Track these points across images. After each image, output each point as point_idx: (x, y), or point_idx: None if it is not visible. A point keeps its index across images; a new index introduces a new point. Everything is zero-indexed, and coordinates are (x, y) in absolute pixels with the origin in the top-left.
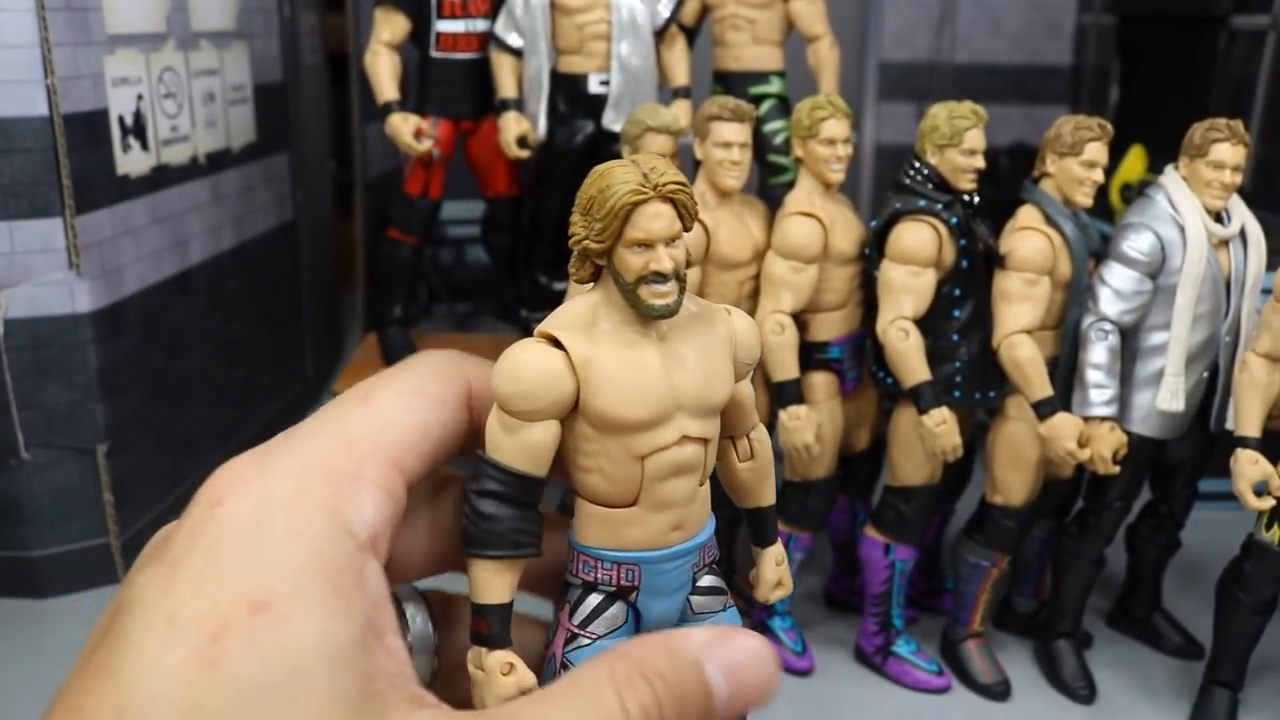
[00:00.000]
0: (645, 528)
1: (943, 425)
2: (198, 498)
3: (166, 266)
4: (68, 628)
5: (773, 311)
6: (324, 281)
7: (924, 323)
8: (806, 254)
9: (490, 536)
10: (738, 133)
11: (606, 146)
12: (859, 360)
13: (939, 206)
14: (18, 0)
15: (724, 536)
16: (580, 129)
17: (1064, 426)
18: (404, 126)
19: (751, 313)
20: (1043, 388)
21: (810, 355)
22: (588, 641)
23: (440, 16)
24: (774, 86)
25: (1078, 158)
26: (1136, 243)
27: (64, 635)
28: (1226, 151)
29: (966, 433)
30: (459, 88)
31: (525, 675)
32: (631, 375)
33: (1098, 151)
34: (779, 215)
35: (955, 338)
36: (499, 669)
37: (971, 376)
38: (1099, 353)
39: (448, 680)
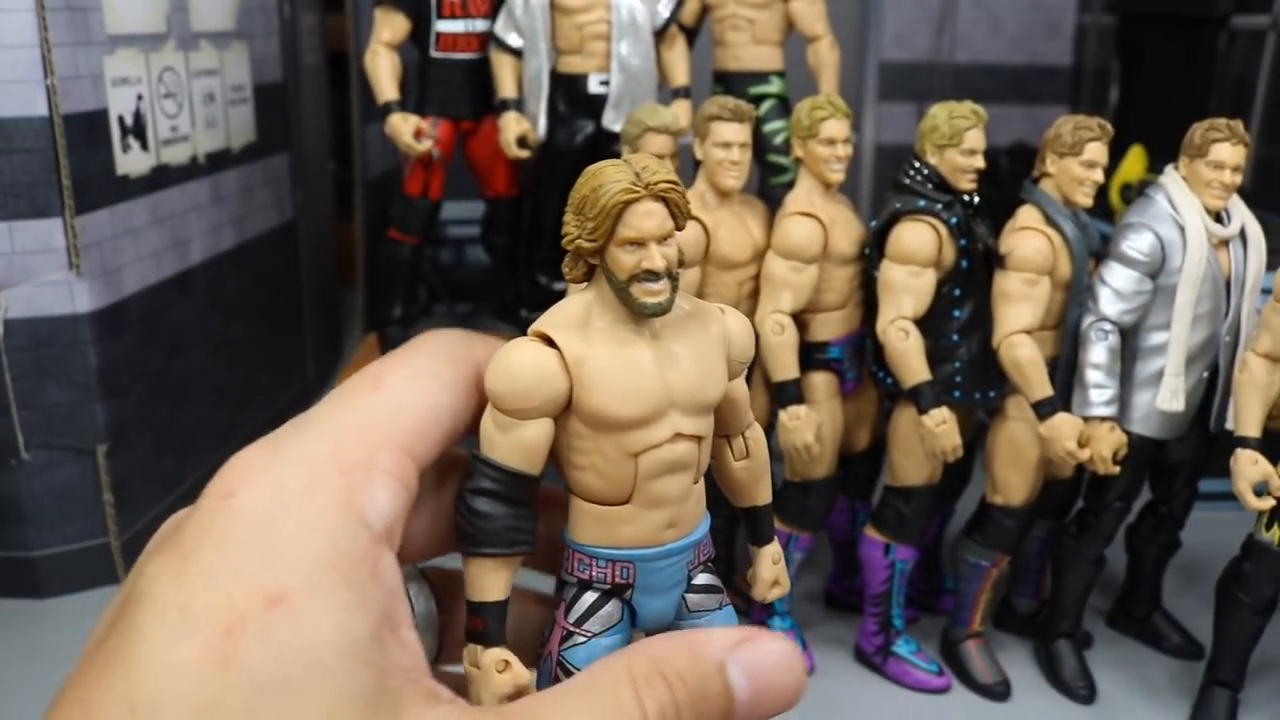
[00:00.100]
0: (639, 525)
1: (943, 425)
2: (210, 488)
3: (166, 266)
4: (68, 628)
5: (773, 311)
6: (324, 281)
7: (924, 323)
8: (806, 254)
9: (485, 534)
10: (738, 133)
11: (606, 146)
12: (859, 360)
13: (939, 206)
14: (18, 0)
15: (723, 536)
16: (580, 129)
17: (1064, 426)
18: (404, 126)
19: (751, 313)
20: (1043, 388)
21: (810, 355)
22: (583, 640)
23: (440, 16)
24: (774, 86)
25: (1078, 158)
26: (1136, 243)
27: (64, 635)
28: (1226, 151)
29: (966, 433)
30: (459, 88)
31: (521, 673)
32: (624, 373)
33: (1098, 151)
34: (779, 215)
35: (955, 338)
36: (494, 666)
37: (971, 376)
38: (1099, 353)
39: (450, 657)
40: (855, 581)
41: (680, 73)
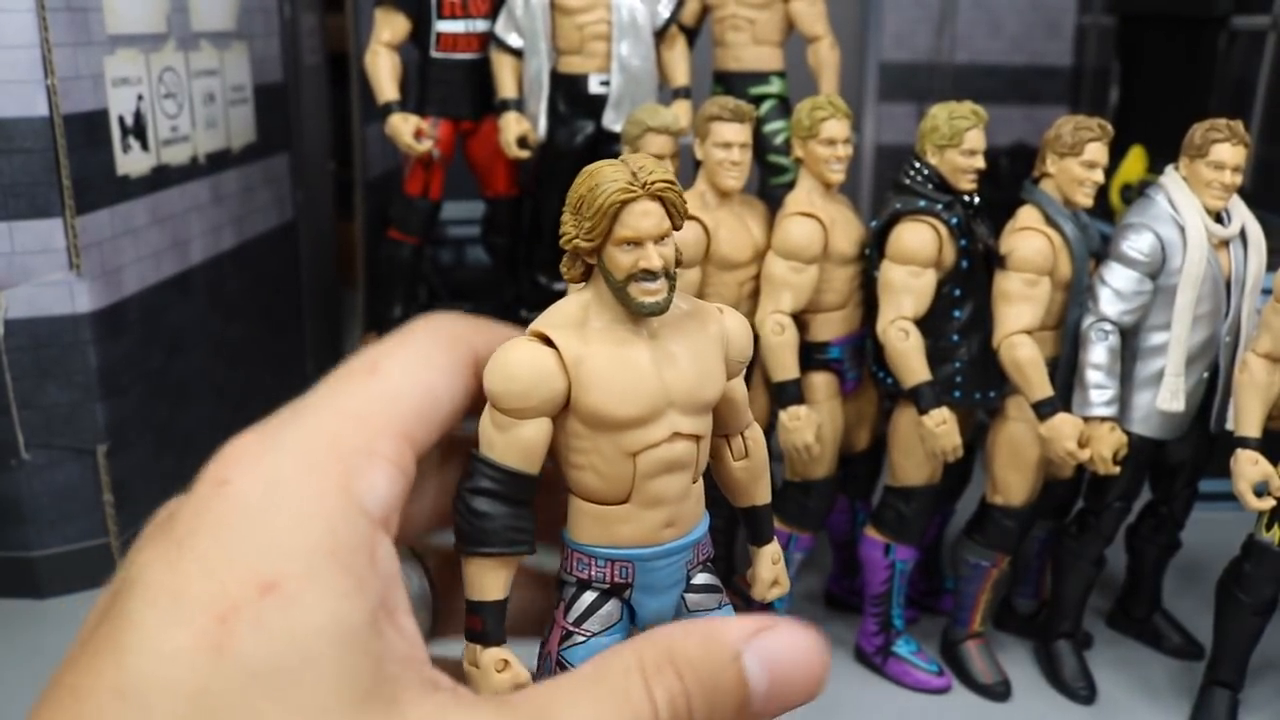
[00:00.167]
0: (637, 525)
1: (943, 425)
2: (204, 476)
3: (166, 267)
4: (68, 628)
5: (773, 312)
6: (324, 282)
7: (924, 323)
8: (806, 254)
9: (484, 534)
10: (738, 133)
11: (607, 147)
12: (859, 360)
13: (939, 207)
14: (18, 0)
15: (723, 536)
16: (580, 129)
17: (1064, 427)
18: (404, 127)
19: (751, 313)
20: (1043, 388)
21: (810, 355)
22: (583, 639)
23: (440, 17)
24: (774, 87)
25: (1078, 158)
26: (1137, 243)
27: (64, 635)
28: (1226, 152)
29: (966, 433)
30: (459, 88)
31: (520, 673)
32: (622, 373)
33: (1098, 152)
34: (779, 215)
35: (955, 338)
36: (493, 666)
37: (971, 377)
38: (1099, 353)
39: (446, 630)
40: (855, 581)
41: (680, 73)
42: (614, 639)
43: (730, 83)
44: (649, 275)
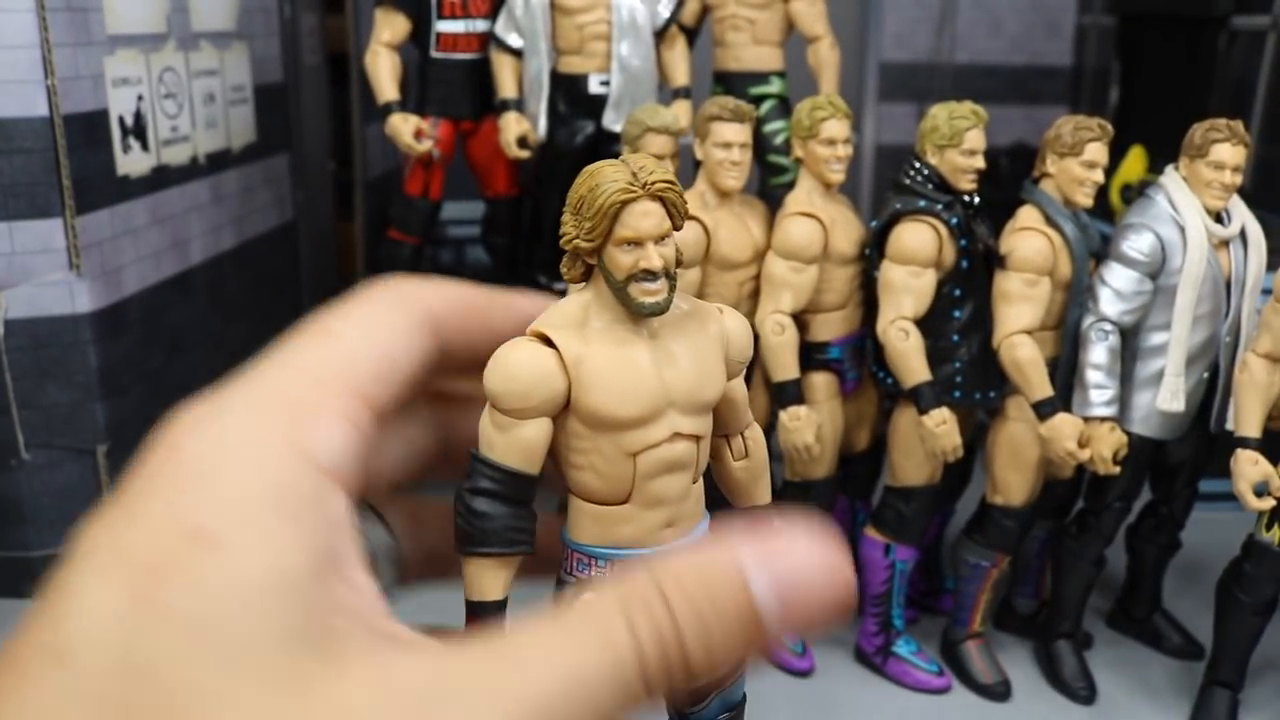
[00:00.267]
0: (638, 525)
1: (943, 425)
2: (152, 443)
3: (166, 267)
4: None
5: (773, 312)
6: (324, 282)
7: (924, 323)
8: (806, 254)
9: (484, 534)
10: (738, 133)
11: (607, 147)
12: (859, 361)
13: (939, 207)
14: (18, 1)
15: None
16: (580, 129)
17: (1064, 427)
18: (404, 127)
19: (751, 313)
20: (1043, 388)
21: (810, 356)
22: None
23: (440, 17)
24: (774, 87)
25: (1078, 158)
26: (1137, 243)
27: None
28: (1227, 152)
29: (966, 433)
30: (459, 88)
31: None
32: (623, 373)
33: (1098, 152)
34: (779, 216)
35: (955, 338)
36: None
37: (971, 377)
38: (1099, 353)
39: (423, 573)
40: (855, 582)
41: (680, 73)
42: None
43: (730, 83)
44: (649, 275)
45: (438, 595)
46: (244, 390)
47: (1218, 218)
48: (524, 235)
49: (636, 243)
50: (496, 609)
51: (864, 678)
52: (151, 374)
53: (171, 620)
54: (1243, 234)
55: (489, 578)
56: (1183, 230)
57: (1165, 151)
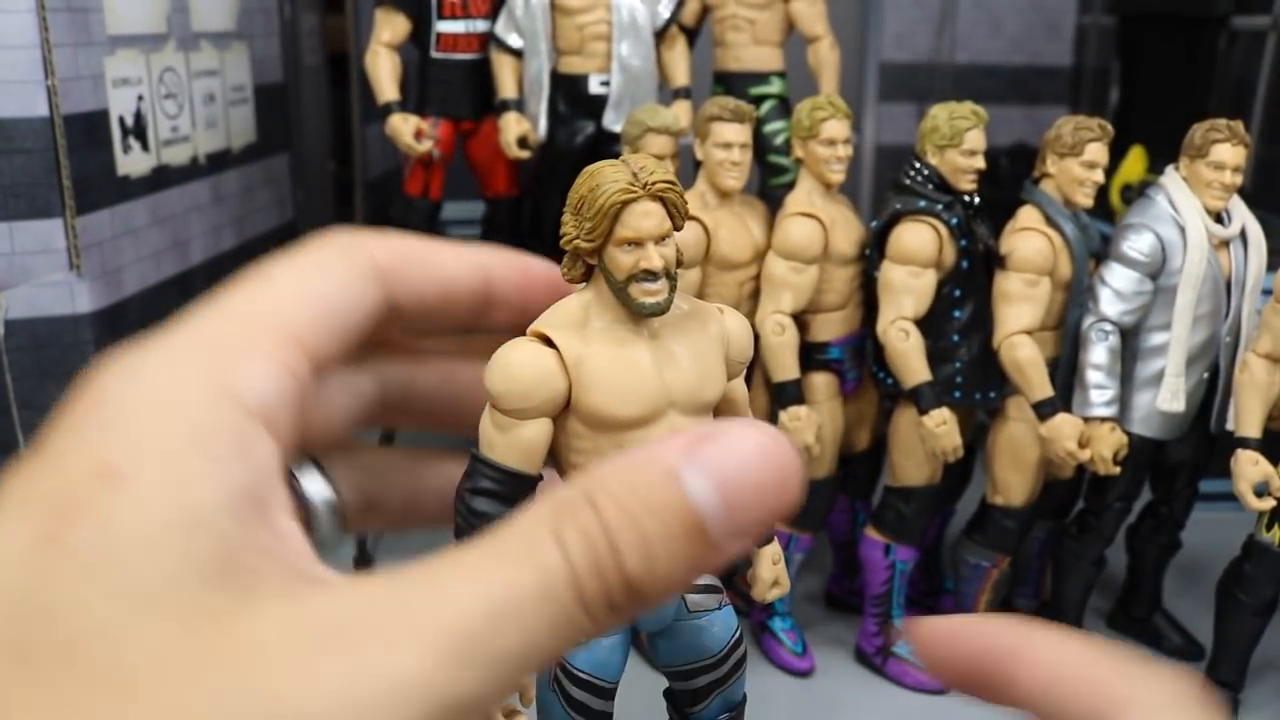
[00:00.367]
0: None
1: (943, 426)
2: (74, 392)
3: (167, 267)
4: None
5: (773, 312)
6: None
7: (924, 323)
8: (807, 254)
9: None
10: (738, 133)
11: (607, 147)
12: (859, 361)
13: (939, 207)
14: (18, 1)
15: None
16: (580, 130)
17: (1064, 427)
18: (404, 127)
19: (752, 313)
20: (1043, 388)
21: (810, 356)
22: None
23: (440, 17)
24: (774, 87)
25: (1078, 158)
26: (1137, 243)
27: None
28: (1227, 152)
29: (967, 433)
30: (459, 88)
31: None
32: (623, 373)
33: (1098, 152)
34: (779, 216)
35: (955, 338)
36: None
37: (972, 377)
38: (1099, 353)
39: (358, 526)
40: (855, 582)
41: (680, 73)
42: (614, 639)
43: (730, 83)
44: (650, 276)
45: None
46: (172, 334)
47: (1218, 218)
48: (524, 235)
49: (637, 243)
50: None
51: (864, 678)
52: None
53: (74, 560)
54: (1243, 234)
55: None
56: (1183, 230)
57: (1165, 152)
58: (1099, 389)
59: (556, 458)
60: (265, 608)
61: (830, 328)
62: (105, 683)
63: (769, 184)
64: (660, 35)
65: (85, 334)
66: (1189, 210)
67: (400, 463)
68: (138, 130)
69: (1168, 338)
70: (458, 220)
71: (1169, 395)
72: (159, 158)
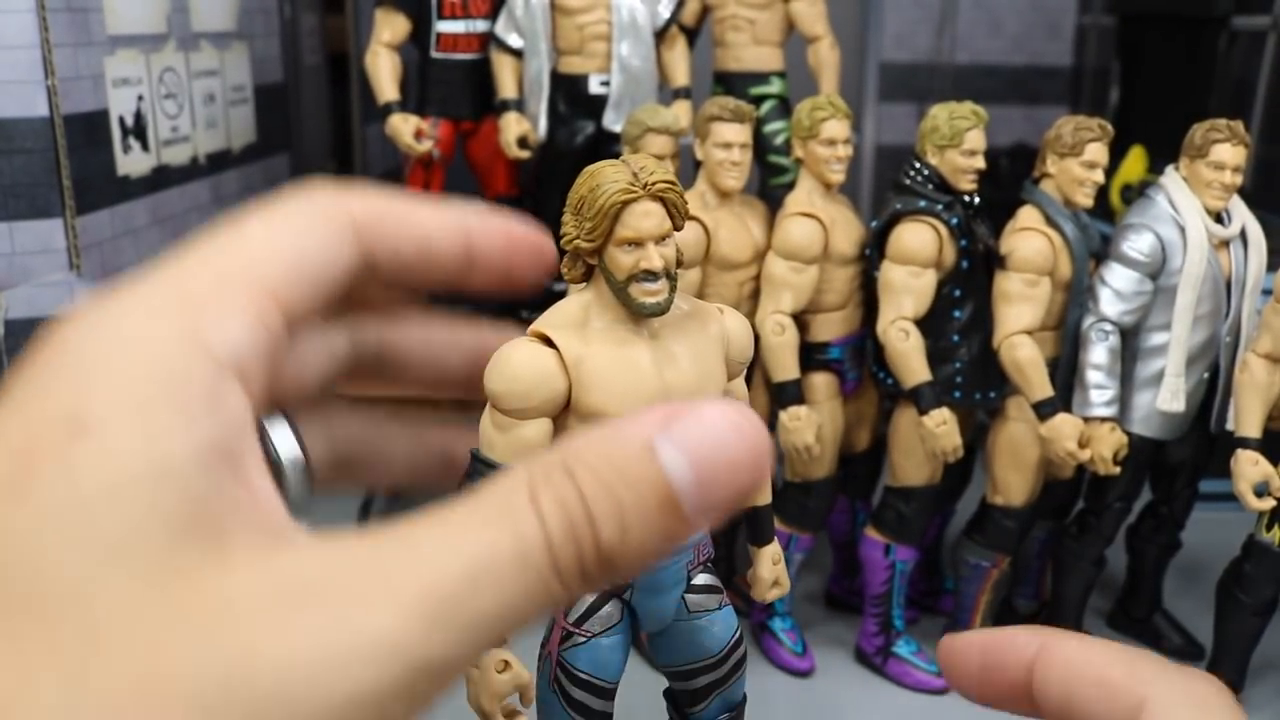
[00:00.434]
0: None
1: (943, 426)
2: (41, 337)
3: None
4: None
5: (773, 312)
6: None
7: (924, 323)
8: (807, 254)
9: None
10: (738, 133)
11: (607, 147)
12: (859, 361)
13: (939, 207)
14: (18, 1)
15: (723, 537)
16: (581, 130)
17: (1064, 427)
18: (404, 127)
19: (752, 314)
20: (1043, 388)
21: (810, 356)
22: (583, 639)
23: (440, 17)
24: (774, 87)
25: (1078, 158)
26: (1137, 243)
27: None
28: (1227, 152)
29: (967, 433)
30: (459, 88)
31: (520, 673)
32: (623, 373)
33: (1098, 152)
34: (779, 216)
35: (955, 338)
36: (494, 666)
37: (972, 377)
38: (1099, 353)
39: (329, 481)
40: (855, 582)
41: (681, 73)
42: (615, 639)
43: (730, 83)
44: (650, 276)
45: None
46: (141, 282)
47: (1218, 218)
48: None
49: (637, 243)
50: None
51: (864, 678)
52: None
53: (38, 511)
54: (1243, 234)
55: None
56: (1183, 230)
57: (1165, 152)
58: (1099, 389)
59: None
60: (235, 563)
61: (830, 328)
62: (69, 636)
63: (769, 184)
64: (660, 35)
65: None
66: (1189, 210)
67: (373, 423)
68: (138, 130)
69: (1168, 338)
70: None
71: (1169, 395)
72: (159, 158)
